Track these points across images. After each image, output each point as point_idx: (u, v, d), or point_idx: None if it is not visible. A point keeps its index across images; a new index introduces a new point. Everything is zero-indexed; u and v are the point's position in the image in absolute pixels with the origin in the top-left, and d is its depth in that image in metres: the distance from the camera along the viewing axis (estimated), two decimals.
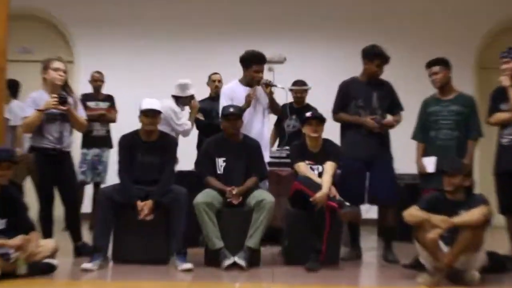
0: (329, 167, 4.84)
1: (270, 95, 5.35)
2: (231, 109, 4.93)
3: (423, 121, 5.14)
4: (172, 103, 5.82)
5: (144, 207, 4.61)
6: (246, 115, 5.13)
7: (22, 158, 5.30)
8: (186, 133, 5.93)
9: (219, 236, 4.63)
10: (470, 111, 5.01)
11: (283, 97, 5.79)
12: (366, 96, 5.14)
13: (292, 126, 6.28)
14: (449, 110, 5.00)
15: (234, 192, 4.73)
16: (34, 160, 5.02)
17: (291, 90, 6.35)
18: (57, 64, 4.93)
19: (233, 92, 5.38)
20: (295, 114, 6.22)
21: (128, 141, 4.91)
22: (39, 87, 4.97)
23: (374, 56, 5.11)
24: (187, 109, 6.09)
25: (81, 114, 5.06)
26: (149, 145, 4.87)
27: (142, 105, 4.82)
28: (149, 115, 4.79)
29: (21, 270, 4.06)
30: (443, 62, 5.06)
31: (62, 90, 4.91)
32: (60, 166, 4.95)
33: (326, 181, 4.70)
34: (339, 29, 8.16)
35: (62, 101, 4.75)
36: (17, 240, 4.07)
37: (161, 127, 5.28)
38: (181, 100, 5.93)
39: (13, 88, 6.20)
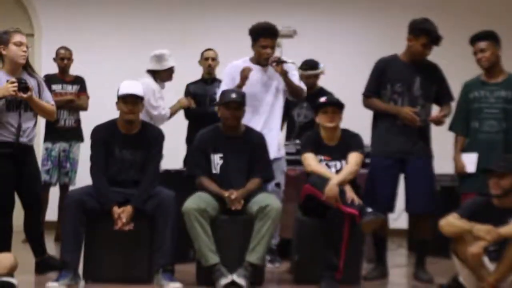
0: (352, 157, 4.84)
1: (283, 75, 5.28)
2: (233, 95, 4.89)
3: (463, 109, 5.13)
4: (150, 80, 5.82)
5: (122, 214, 4.61)
6: (252, 101, 5.13)
7: None
8: (160, 120, 5.89)
9: (214, 249, 4.63)
10: None
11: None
12: (407, 80, 5.08)
13: (304, 116, 6.26)
14: (497, 96, 5.00)
15: (233, 196, 4.71)
16: None
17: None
18: (19, 37, 4.90)
19: (237, 71, 5.38)
20: (307, 101, 6.16)
21: (104, 133, 4.91)
22: None
23: (421, 32, 4.99)
24: (167, 88, 6.09)
25: (48, 99, 5.06)
26: (129, 138, 4.87)
27: (121, 89, 4.82)
28: (129, 101, 4.78)
29: None
30: (491, 37, 5.03)
31: (23, 71, 4.93)
32: (21, 164, 4.95)
33: (343, 172, 4.75)
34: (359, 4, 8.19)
35: (23, 86, 4.73)
36: None
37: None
38: (160, 75, 5.93)
39: None
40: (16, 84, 4.69)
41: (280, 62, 5.27)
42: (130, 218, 4.63)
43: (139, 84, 4.92)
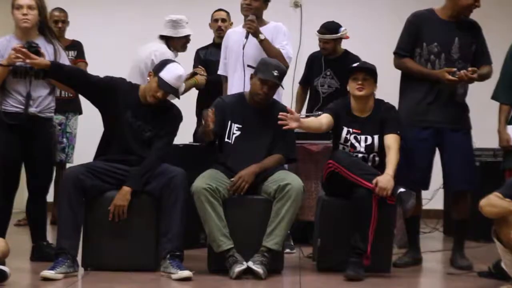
0: (393, 141, 4.79)
1: (255, 36, 5.32)
2: (275, 72, 4.79)
3: (509, 75, 5.09)
4: (165, 48, 5.76)
5: (120, 203, 4.65)
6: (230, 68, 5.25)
7: None
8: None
9: (227, 233, 4.65)
10: None
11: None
12: (445, 40, 5.02)
13: (328, 85, 6.19)
14: None
15: (251, 173, 4.72)
16: None
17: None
18: (19, 0, 4.93)
19: (226, 37, 5.61)
20: (330, 69, 6.16)
21: (124, 87, 4.93)
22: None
23: None
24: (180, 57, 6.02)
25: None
26: (146, 109, 4.87)
27: (165, 72, 4.76)
28: (167, 91, 4.80)
29: None
30: None
31: (40, 34, 4.97)
32: (29, 138, 4.97)
33: (391, 162, 4.70)
34: None
35: (33, 50, 4.74)
36: None
37: (142, 80, 5.33)
38: (174, 42, 5.88)
39: None
40: (23, 48, 4.69)
41: (250, 20, 5.32)
42: (126, 201, 4.66)
43: (183, 76, 4.92)
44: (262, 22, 5.45)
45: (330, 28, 6.19)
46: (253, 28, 5.31)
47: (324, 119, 4.85)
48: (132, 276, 4.55)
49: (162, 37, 5.85)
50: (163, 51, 5.68)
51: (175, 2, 7.55)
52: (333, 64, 6.11)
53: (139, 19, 7.59)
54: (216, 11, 6.60)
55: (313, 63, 6.25)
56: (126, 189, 4.67)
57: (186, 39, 5.96)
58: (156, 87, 4.74)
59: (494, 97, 5.18)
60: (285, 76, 4.94)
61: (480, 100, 5.23)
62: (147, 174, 4.73)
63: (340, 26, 6.18)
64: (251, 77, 4.95)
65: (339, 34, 6.16)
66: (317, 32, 6.22)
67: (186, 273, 4.48)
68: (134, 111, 4.83)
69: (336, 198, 4.85)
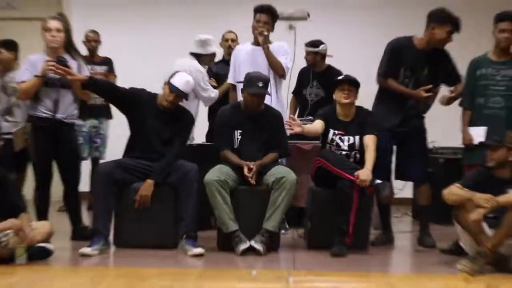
0: (371, 141, 4.80)
1: (264, 48, 5.31)
2: (260, 83, 4.81)
3: (471, 85, 5.06)
4: (197, 63, 5.70)
5: (145, 194, 4.67)
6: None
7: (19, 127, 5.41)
8: (208, 101, 5.85)
9: (233, 217, 4.67)
10: None
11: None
12: (418, 67, 4.98)
13: (315, 94, 6.18)
14: (504, 74, 4.98)
15: (252, 166, 4.73)
16: (31, 131, 5.02)
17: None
18: (49, 24, 4.91)
19: (237, 52, 5.52)
20: (316, 80, 6.14)
21: (144, 97, 4.91)
22: (28, 48, 4.95)
23: (445, 21, 4.86)
24: None
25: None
26: (164, 114, 4.87)
27: (174, 79, 4.79)
28: (176, 94, 4.80)
29: (20, 259, 4.12)
30: None
31: (66, 52, 4.94)
32: (58, 138, 4.97)
33: (370, 158, 4.71)
34: None
35: (62, 64, 4.72)
36: (9, 224, 4.11)
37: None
38: (203, 58, 5.81)
39: (11, 48, 6.12)
40: (51, 63, 4.70)
41: (263, 35, 5.30)
42: (150, 191, 4.68)
43: (190, 82, 4.87)
44: (269, 40, 5.40)
45: (312, 43, 6.18)
46: (266, 41, 5.31)
47: (318, 125, 4.86)
48: (154, 252, 4.55)
49: (193, 54, 5.79)
50: (196, 66, 5.66)
51: (193, 22, 7.52)
52: (319, 76, 6.11)
53: (162, 40, 7.57)
54: (227, 32, 6.55)
55: (303, 76, 6.23)
56: (149, 182, 4.69)
57: (213, 55, 5.94)
58: (168, 92, 4.76)
59: (461, 103, 5.14)
60: (269, 82, 4.93)
61: (444, 107, 5.23)
62: (167, 169, 4.74)
63: (322, 43, 6.17)
64: (242, 91, 4.96)
65: (318, 49, 6.14)
66: (305, 45, 6.23)
67: (199, 250, 4.52)
68: (154, 116, 4.83)
69: (323, 188, 4.86)
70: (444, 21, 4.86)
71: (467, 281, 3.87)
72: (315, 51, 6.13)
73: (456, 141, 5.36)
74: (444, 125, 5.40)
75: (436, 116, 5.28)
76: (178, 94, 4.78)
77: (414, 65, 4.97)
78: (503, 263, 4.14)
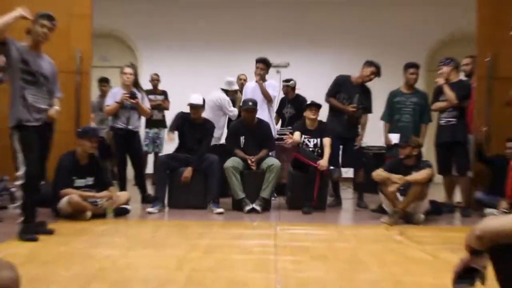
0: (327, 142, 4.80)
1: (259, 84, 5.29)
2: (250, 103, 4.85)
3: (390, 107, 5.04)
4: (224, 95, 5.67)
5: (186, 175, 4.67)
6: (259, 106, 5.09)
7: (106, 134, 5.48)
8: (234, 117, 5.75)
9: (242, 189, 4.67)
10: (425, 102, 4.95)
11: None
12: (351, 94, 5.03)
13: (289, 113, 6.10)
14: (411, 101, 4.94)
15: (253, 159, 4.76)
16: (112, 136, 5.08)
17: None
18: (125, 70, 4.96)
19: (245, 87, 5.52)
20: (290, 104, 6.10)
21: (181, 119, 4.89)
22: (116, 84, 4.99)
23: (371, 65, 5.01)
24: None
25: (147, 105, 5.06)
26: (195, 125, 4.85)
27: (191, 99, 4.78)
28: (195, 108, 4.77)
29: (110, 215, 4.17)
30: (418, 66, 4.98)
31: (134, 87, 4.94)
32: (129, 141, 4.98)
33: (327, 153, 4.72)
34: (327, 44, 8.05)
35: (132, 96, 4.79)
36: (104, 194, 4.18)
37: (215, 113, 5.32)
38: (228, 93, 5.76)
39: (103, 84, 6.47)
40: (128, 95, 4.76)
41: (262, 77, 5.34)
42: (190, 174, 4.67)
43: (200, 97, 4.83)
44: (265, 79, 5.39)
45: (286, 80, 6.14)
46: (261, 79, 5.31)
47: (298, 136, 4.83)
48: (193, 211, 4.56)
49: (223, 89, 5.74)
50: (224, 96, 5.63)
51: (216, 67, 7.51)
52: (291, 101, 6.09)
53: (197, 79, 7.56)
54: (241, 74, 6.50)
55: (282, 101, 6.19)
56: (190, 168, 4.69)
57: (234, 91, 5.91)
58: (190, 108, 4.80)
59: (382, 118, 5.10)
60: (257, 103, 4.90)
61: (374, 121, 5.24)
62: (200, 159, 4.73)
63: (291, 80, 6.13)
64: (241, 111, 5.00)
65: (288, 83, 6.09)
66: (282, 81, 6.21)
67: (220, 210, 4.52)
68: (189, 127, 4.84)
69: (298, 171, 4.84)
70: (370, 65, 5.00)
71: (387, 229, 3.87)
72: (287, 85, 6.14)
73: (381, 142, 5.35)
74: (374, 132, 5.40)
75: (368, 127, 5.27)
76: (192, 105, 4.77)
77: (349, 93, 5.04)
78: (409, 218, 4.16)
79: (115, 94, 4.92)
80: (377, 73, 5.01)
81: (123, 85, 4.97)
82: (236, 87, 5.92)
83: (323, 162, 4.62)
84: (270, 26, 8.06)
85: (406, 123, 4.92)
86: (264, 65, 5.38)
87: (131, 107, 4.89)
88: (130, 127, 4.94)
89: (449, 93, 4.71)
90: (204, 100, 4.88)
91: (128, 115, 4.91)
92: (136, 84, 5.01)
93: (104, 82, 6.54)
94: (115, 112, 4.89)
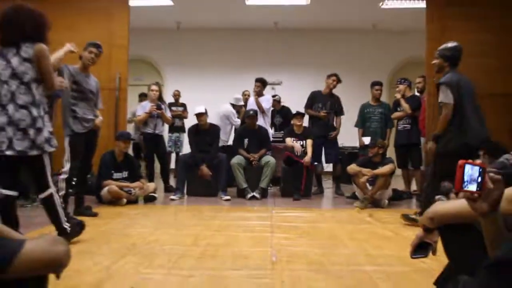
0: (310, 143, 4.79)
1: (255, 99, 5.27)
2: (251, 112, 4.87)
3: (361, 117, 5.05)
4: (231, 108, 5.65)
5: (205, 172, 4.63)
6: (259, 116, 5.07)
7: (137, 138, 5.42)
8: (237, 126, 5.66)
9: (245, 181, 4.66)
10: (388, 112, 4.97)
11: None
12: (323, 103, 5.01)
13: (278, 121, 6.02)
14: (377, 111, 4.96)
15: (255, 157, 4.74)
16: (142, 139, 5.06)
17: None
18: (152, 87, 4.96)
19: (249, 101, 5.49)
20: (278, 114, 6.03)
21: (194, 128, 4.87)
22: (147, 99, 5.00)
23: (331, 76, 5.02)
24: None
25: (168, 115, 5.06)
26: (203, 130, 4.83)
27: (195, 110, 4.80)
28: (200, 116, 4.75)
29: (141, 202, 4.17)
30: (381, 83, 5.04)
31: (158, 101, 4.94)
32: (156, 143, 4.96)
33: (309, 152, 4.70)
34: (309, 65, 7.95)
35: (158, 108, 4.79)
36: (136, 184, 4.17)
37: (224, 121, 5.26)
38: (235, 107, 5.75)
39: (142, 97, 6.42)
40: (155, 106, 4.76)
41: (259, 93, 5.31)
42: (207, 171, 4.64)
43: (202, 107, 4.81)
44: (262, 94, 5.35)
45: (273, 95, 6.06)
46: (257, 95, 5.28)
47: (290, 141, 4.81)
48: (206, 198, 4.54)
49: (231, 104, 5.72)
50: (232, 110, 5.58)
51: (226, 85, 7.49)
52: (279, 112, 5.99)
53: (215, 93, 7.47)
54: (245, 91, 6.40)
55: (273, 113, 6.06)
56: (204, 166, 4.65)
57: (240, 106, 5.86)
58: (196, 117, 4.75)
59: (356, 125, 5.12)
60: (257, 112, 4.91)
61: (347, 127, 5.24)
62: (211, 157, 4.70)
63: (277, 95, 6.09)
64: (245, 118, 4.95)
65: (275, 97, 5.99)
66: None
67: (227, 197, 4.50)
68: (199, 132, 4.79)
69: (289, 166, 4.82)
70: (330, 76, 5.02)
71: (359, 212, 3.87)
72: (274, 99, 6.05)
73: (354, 143, 5.33)
74: (348, 134, 5.39)
75: (345, 131, 5.25)
76: (197, 114, 4.74)
77: (322, 102, 5.02)
78: (377, 203, 4.15)
79: (144, 107, 4.92)
80: (337, 80, 5.02)
81: (150, 99, 4.97)
82: (241, 103, 5.86)
83: (307, 159, 4.61)
84: (267, 52, 8.04)
85: (374, 128, 4.92)
86: (260, 83, 5.35)
87: (157, 116, 4.88)
88: (156, 131, 4.93)
89: (405, 105, 4.75)
90: (206, 110, 4.84)
91: (155, 123, 4.91)
92: (160, 98, 5.01)
93: (143, 96, 6.56)
94: (144, 121, 4.89)
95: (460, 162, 0.78)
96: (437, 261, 1.38)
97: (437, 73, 3.24)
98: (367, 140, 4.85)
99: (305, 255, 2.35)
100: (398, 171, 5.03)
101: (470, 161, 0.81)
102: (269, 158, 4.76)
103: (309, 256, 2.33)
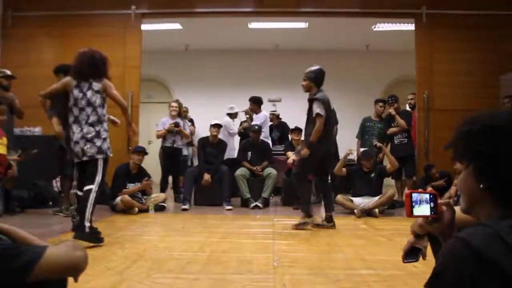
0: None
1: (247, 118, 5.27)
2: (256, 127, 4.87)
3: (362, 129, 5.05)
4: (229, 119, 5.65)
5: (207, 179, 4.61)
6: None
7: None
8: (234, 135, 5.69)
9: (248, 191, 4.64)
10: (386, 127, 4.95)
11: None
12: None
13: (276, 135, 5.96)
14: (377, 126, 4.97)
15: (259, 168, 4.73)
16: (161, 152, 5.08)
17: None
18: (172, 104, 5.04)
19: (256, 119, 5.45)
20: (276, 128, 6.00)
21: (203, 141, 4.86)
22: (161, 116, 5.08)
23: (305, 80, 4.46)
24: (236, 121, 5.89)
25: (186, 129, 5.08)
26: (213, 143, 4.82)
27: (212, 122, 4.81)
28: (215, 127, 4.76)
29: (151, 211, 4.17)
30: (385, 101, 5.00)
31: (178, 117, 4.98)
32: (173, 156, 4.95)
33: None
34: None
35: (176, 125, 4.83)
36: (138, 186, 4.17)
37: (226, 135, 5.26)
38: (232, 116, 5.73)
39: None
40: (173, 124, 4.81)
41: (249, 114, 5.32)
42: (209, 178, 4.61)
43: (218, 120, 4.86)
44: (259, 111, 5.34)
45: (272, 111, 6.06)
46: (248, 115, 5.32)
47: (291, 154, 4.74)
48: (211, 208, 4.52)
49: (227, 114, 5.71)
50: (229, 120, 5.59)
51: (231, 101, 7.51)
52: (277, 127, 5.97)
53: (218, 107, 7.37)
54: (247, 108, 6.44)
55: (272, 127, 6.01)
56: (208, 175, 4.63)
57: (236, 114, 5.80)
58: (211, 130, 4.76)
59: (357, 136, 5.10)
60: (261, 127, 4.88)
61: (346, 138, 5.22)
62: (216, 170, 4.68)
63: (275, 111, 6.04)
64: (250, 133, 4.93)
65: (276, 113, 6.01)
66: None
67: (231, 207, 4.47)
68: (209, 146, 4.79)
69: (289, 178, 4.71)
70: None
71: (355, 220, 3.83)
72: (274, 113, 6.06)
73: (354, 155, 5.28)
74: (341, 149, 5.36)
75: (343, 143, 5.18)
76: (213, 124, 4.76)
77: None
78: (370, 212, 4.06)
79: (164, 123, 4.96)
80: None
81: (170, 115, 5.01)
82: (236, 110, 5.78)
83: (290, 160, 4.57)
84: (268, 71, 8.10)
85: (371, 142, 4.92)
86: (251, 102, 5.35)
87: (177, 132, 4.92)
88: (175, 145, 4.94)
89: (401, 121, 4.77)
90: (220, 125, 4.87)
91: (173, 138, 4.93)
92: (179, 114, 5.06)
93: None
94: (164, 136, 4.93)
95: (407, 192, 0.88)
96: (427, 265, 1.39)
97: (306, 92, 3.46)
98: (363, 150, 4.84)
99: (305, 260, 2.35)
100: (392, 181, 5.04)
101: (419, 190, 0.91)
102: (271, 170, 4.77)
103: (308, 261, 2.33)
